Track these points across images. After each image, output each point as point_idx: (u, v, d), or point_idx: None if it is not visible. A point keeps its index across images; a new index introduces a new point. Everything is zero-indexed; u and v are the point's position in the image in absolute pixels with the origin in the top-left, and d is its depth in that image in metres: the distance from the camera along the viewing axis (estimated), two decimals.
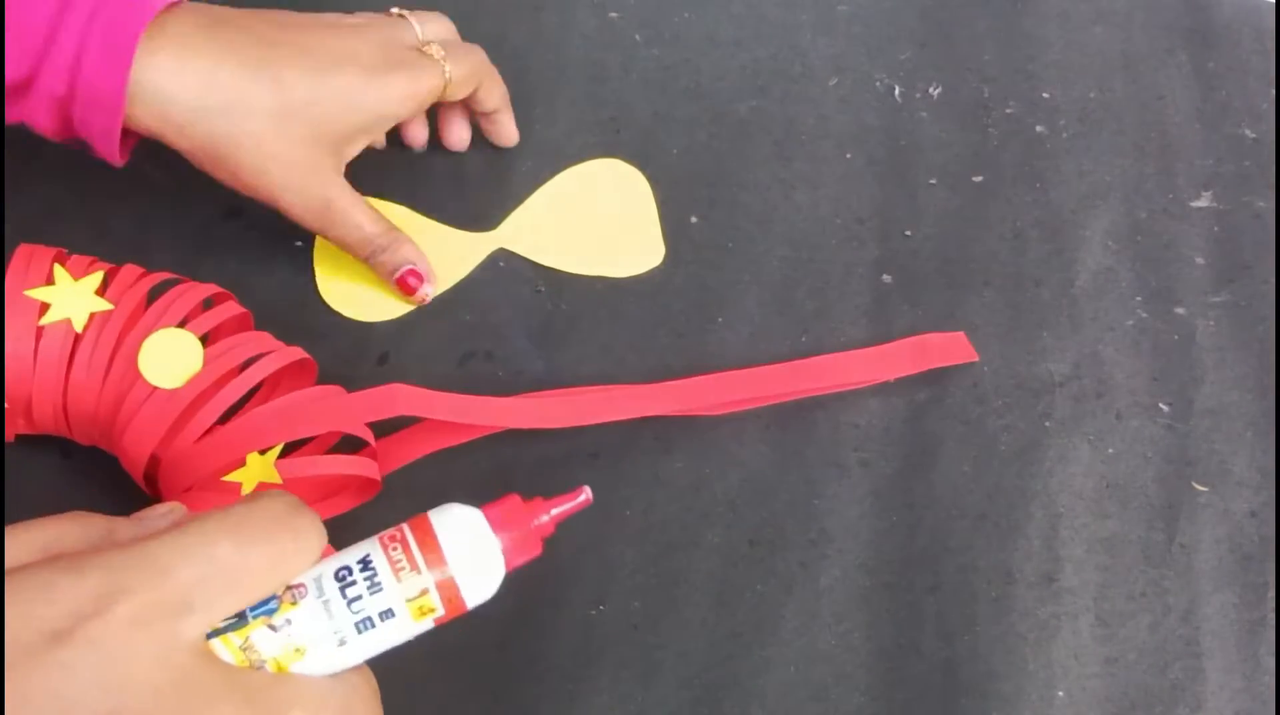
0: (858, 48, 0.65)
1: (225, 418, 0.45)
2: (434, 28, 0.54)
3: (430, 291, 0.53)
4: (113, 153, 0.48)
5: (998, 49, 0.65)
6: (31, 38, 0.44)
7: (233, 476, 0.44)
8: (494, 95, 0.56)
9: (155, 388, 0.44)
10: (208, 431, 0.45)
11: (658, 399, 0.52)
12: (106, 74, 0.45)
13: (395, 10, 0.53)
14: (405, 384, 0.47)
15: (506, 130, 0.58)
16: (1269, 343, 0.56)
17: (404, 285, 0.53)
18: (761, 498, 0.50)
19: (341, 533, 0.43)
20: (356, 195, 0.51)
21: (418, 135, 0.57)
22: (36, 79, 0.45)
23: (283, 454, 0.45)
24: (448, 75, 0.52)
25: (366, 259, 0.52)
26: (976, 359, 0.55)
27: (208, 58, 0.47)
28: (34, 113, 0.46)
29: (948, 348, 0.55)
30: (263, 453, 0.44)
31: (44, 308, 0.45)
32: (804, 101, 0.63)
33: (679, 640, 0.47)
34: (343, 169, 0.51)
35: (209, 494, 0.44)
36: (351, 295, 0.54)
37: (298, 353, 0.48)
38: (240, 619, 0.30)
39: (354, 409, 0.46)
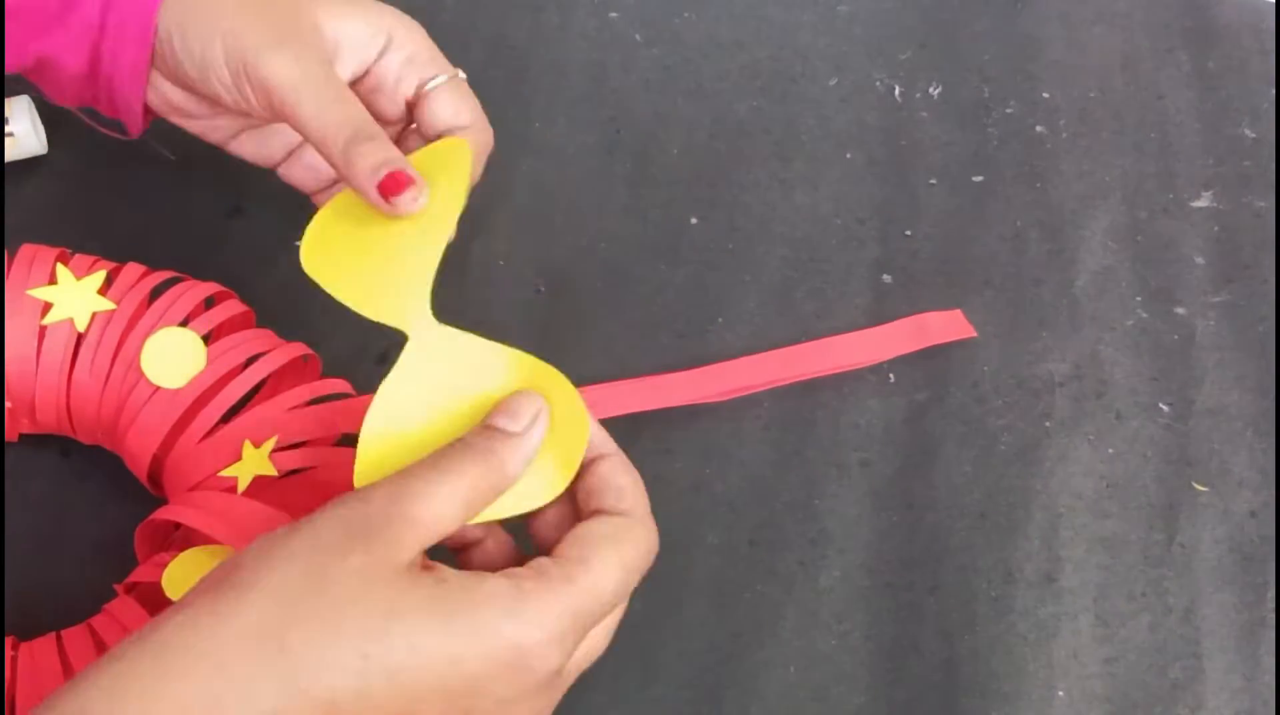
0: (858, 48, 0.65)
1: (229, 415, 0.45)
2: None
3: (421, 201, 0.42)
4: (135, 103, 0.46)
5: (998, 49, 0.65)
6: None
7: (229, 471, 0.44)
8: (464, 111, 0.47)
9: (158, 387, 0.44)
10: (213, 429, 0.45)
11: (661, 391, 0.52)
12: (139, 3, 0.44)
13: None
14: None
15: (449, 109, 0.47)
16: (1269, 343, 0.56)
17: (387, 189, 0.41)
18: (761, 498, 0.50)
19: None
20: (341, 79, 0.44)
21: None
22: (72, 9, 0.44)
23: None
24: (461, 76, 0.47)
25: (343, 149, 0.42)
26: (975, 335, 0.55)
27: None
28: (62, 51, 0.45)
29: (946, 326, 0.55)
30: (257, 446, 0.44)
31: (47, 307, 0.45)
32: (804, 101, 0.63)
33: (679, 640, 0.47)
34: (333, 63, 0.45)
35: (212, 492, 0.44)
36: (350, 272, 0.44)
37: (300, 348, 0.48)
38: None
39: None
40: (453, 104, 0.47)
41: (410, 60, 0.47)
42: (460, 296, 0.55)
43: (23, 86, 0.53)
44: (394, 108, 0.48)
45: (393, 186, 0.41)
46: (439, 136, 0.47)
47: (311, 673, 0.30)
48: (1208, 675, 0.47)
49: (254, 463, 0.44)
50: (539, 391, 0.40)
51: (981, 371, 0.54)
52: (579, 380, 0.52)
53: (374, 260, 0.43)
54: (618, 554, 0.35)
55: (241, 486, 0.43)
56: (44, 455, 0.49)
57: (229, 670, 0.30)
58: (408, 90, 0.47)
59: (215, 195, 0.55)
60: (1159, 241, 0.59)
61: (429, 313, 0.41)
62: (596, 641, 0.37)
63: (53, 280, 0.46)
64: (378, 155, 0.42)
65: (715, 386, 0.53)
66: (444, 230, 0.43)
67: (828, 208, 0.59)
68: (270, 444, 0.44)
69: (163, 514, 0.43)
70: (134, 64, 0.46)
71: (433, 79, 0.47)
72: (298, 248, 0.55)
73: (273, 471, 0.44)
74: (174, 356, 0.45)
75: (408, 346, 0.41)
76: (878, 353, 0.54)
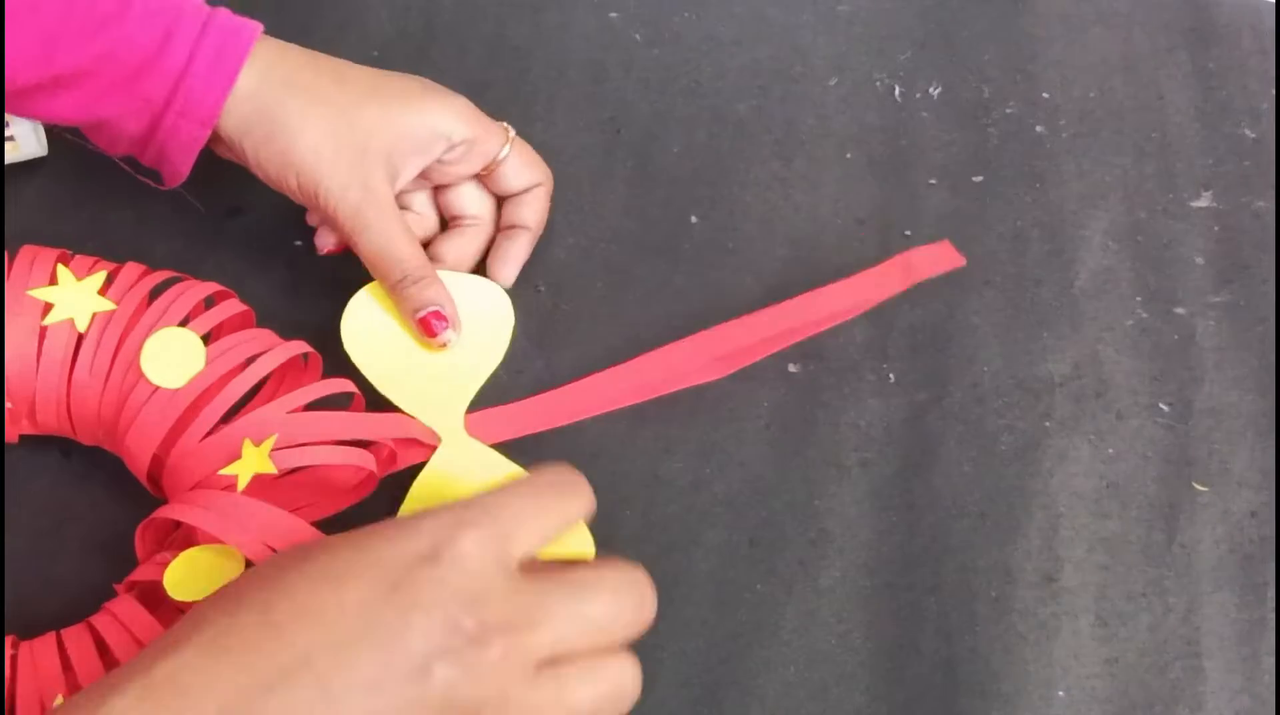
0: (858, 48, 0.65)
1: (229, 414, 0.45)
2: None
3: (454, 338, 0.50)
4: (183, 168, 0.49)
5: (998, 49, 0.65)
6: (143, 45, 0.46)
7: (229, 470, 0.44)
8: (539, 202, 0.54)
9: (158, 387, 0.44)
10: (213, 429, 0.45)
11: (656, 370, 0.52)
12: (209, 90, 0.47)
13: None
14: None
15: (518, 249, 0.54)
16: (1269, 343, 0.56)
17: (426, 326, 0.49)
18: (761, 498, 0.50)
19: (335, 530, 0.43)
20: (400, 213, 0.50)
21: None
22: (140, 81, 0.46)
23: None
24: (511, 135, 0.52)
25: (393, 286, 0.49)
26: (964, 263, 0.55)
27: (277, 46, 0.49)
28: (125, 116, 0.47)
29: (934, 259, 0.55)
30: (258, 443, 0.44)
31: (47, 308, 0.45)
32: (804, 101, 0.63)
33: (679, 640, 0.47)
34: (393, 183, 0.50)
35: (213, 490, 0.44)
36: (376, 349, 0.50)
37: (301, 346, 0.48)
38: None
39: (369, 426, 0.47)
40: (522, 167, 0.53)
41: (471, 148, 0.51)
42: None
43: None
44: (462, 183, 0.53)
45: (432, 324, 0.49)
46: (518, 192, 0.53)
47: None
48: (1208, 675, 0.47)
49: (254, 461, 0.44)
50: None
51: (981, 371, 0.54)
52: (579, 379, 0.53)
53: (417, 364, 0.50)
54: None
55: (241, 485, 0.43)
56: (44, 455, 0.49)
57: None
58: (477, 168, 0.52)
59: (216, 195, 0.55)
60: (1159, 241, 0.59)
61: (462, 427, 0.49)
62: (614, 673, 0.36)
63: (53, 281, 0.46)
64: (422, 297, 0.49)
65: (707, 353, 0.52)
66: (489, 363, 0.51)
67: (828, 208, 0.59)
68: (270, 442, 0.44)
69: (164, 513, 0.43)
70: (191, 140, 0.48)
71: (499, 151, 0.52)
72: (298, 247, 0.55)
73: (272, 470, 0.44)
74: (173, 356, 0.45)
75: (439, 452, 0.48)
76: (868, 296, 0.54)
